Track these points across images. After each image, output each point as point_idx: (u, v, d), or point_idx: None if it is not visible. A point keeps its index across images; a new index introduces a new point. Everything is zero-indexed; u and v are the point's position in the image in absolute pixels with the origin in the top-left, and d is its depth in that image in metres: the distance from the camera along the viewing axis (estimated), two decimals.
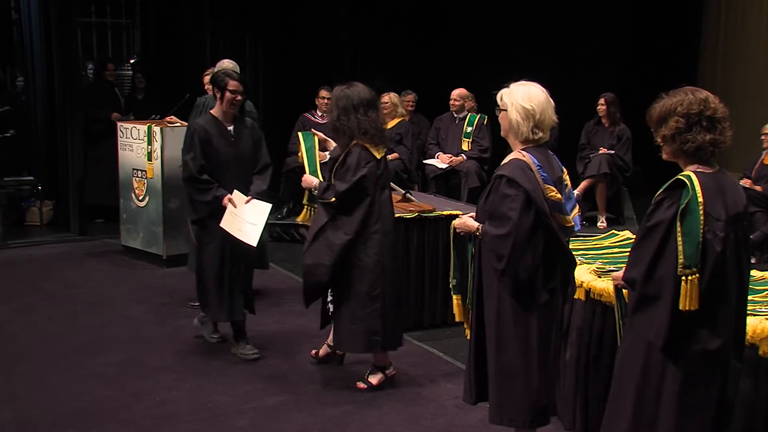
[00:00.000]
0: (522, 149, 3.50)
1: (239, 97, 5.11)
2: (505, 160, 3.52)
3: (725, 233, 2.87)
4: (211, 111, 5.23)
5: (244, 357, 5.19)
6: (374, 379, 4.82)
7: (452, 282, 3.84)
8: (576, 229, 3.64)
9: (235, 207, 4.99)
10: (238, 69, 6.11)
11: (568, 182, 3.62)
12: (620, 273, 3.17)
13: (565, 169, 3.63)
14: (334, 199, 4.54)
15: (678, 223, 2.84)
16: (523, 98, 3.48)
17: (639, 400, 2.98)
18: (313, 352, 5.18)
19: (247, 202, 5.02)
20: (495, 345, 3.47)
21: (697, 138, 2.92)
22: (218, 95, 5.10)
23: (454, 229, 3.67)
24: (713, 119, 2.93)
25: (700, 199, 2.84)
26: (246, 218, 5.00)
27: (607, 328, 3.97)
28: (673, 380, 2.91)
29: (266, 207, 5.06)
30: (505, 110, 3.52)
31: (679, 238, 2.83)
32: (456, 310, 3.85)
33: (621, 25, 11.63)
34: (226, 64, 6.13)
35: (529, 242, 3.36)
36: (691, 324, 2.88)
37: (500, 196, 3.39)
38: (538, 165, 3.43)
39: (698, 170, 2.94)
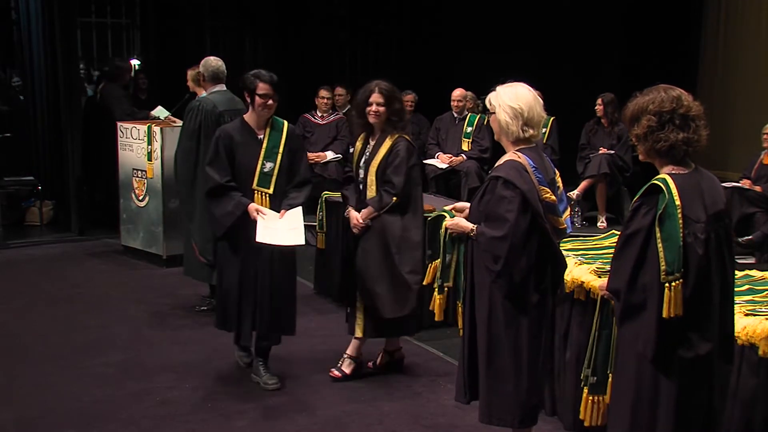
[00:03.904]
0: (517, 150, 3.49)
1: (271, 102, 4.61)
2: (500, 161, 3.52)
3: (706, 234, 2.82)
4: (243, 116, 4.77)
5: (265, 387, 4.77)
6: (380, 361, 4.97)
7: (437, 282, 3.85)
8: (568, 230, 3.64)
9: (264, 215, 4.53)
10: (224, 67, 6.11)
11: (560, 184, 3.61)
12: (604, 283, 3.14)
13: (557, 171, 3.63)
14: (395, 198, 4.60)
15: (657, 230, 2.79)
16: (510, 98, 3.48)
17: (635, 411, 2.93)
18: (370, 363, 5.08)
19: (282, 216, 4.60)
20: (486, 345, 3.46)
21: (670, 137, 2.87)
22: (248, 99, 4.66)
23: (446, 229, 3.67)
24: (686, 117, 2.88)
25: (678, 203, 2.79)
26: (282, 227, 4.56)
27: None
28: (667, 390, 2.86)
29: (297, 210, 4.64)
30: (494, 113, 3.52)
31: (659, 244, 2.78)
32: (437, 309, 3.86)
33: (620, 25, 11.63)
34: (212, 62, 6.08)
35: (524, 244, 3.36)
36: (678, 331, 2.83)
37: (497, 197, 3.39)
38: (534, 166, 3.44)
39: (673, 172, 2.89)
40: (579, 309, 4.09)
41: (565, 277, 4.08)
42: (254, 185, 4.62)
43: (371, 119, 4.72)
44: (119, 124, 7.84)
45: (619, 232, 4.89)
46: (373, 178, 4.69)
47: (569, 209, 3.68)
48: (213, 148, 4.66)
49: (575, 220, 8.40)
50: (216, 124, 5.94)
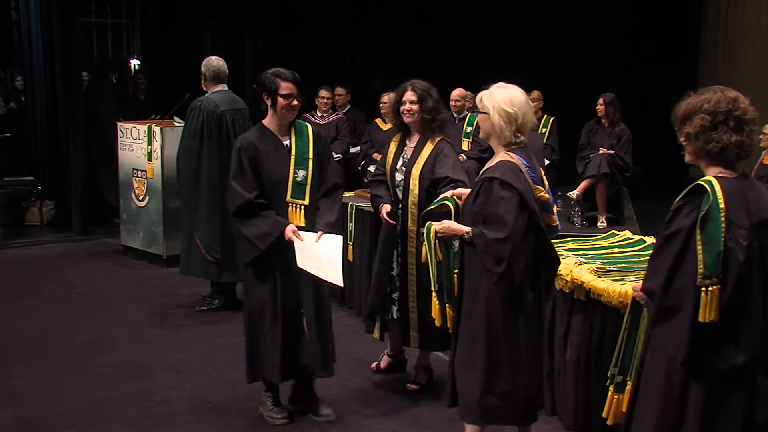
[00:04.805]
0: (509, 150, 3.47)
1: (296, 102, 4.14)
2: (493, 162, 3.50)
3: (748, 242, 2.71)
4: (262, 121, 4.26)
5: (317, 419, 4.35)
6: (424, 378, 4.84)
7: (434, 287, 3.79)
8: (559, 228, 3.63)
9: (301, 240, 4.07)
10: (225, 66, 6.11)
11: (546, 181, 3.59)
12: (639, 284, 3.02)
13: (542, 169, 3.61)
14: None
15: (698, 231, 2.68)
16: (505, 102, 3.44)
17: (661, 417, 2.85)
18: (373, 365, 5.05)
19: (318, 239, 4.11)
20: (485, 348, 3.43)
21: (723, 138, 2.76)
22: (268, 102, 4.15)
23: (436, 233, 3.63)
24: (741, 120, 2.78)
25: (722, 206, 2.68)
26: (321, 254, 4.09)
27: (607, 328, 3.97)
28: (695, 397, 2.77)
29: (338, 240, 4.16)
30: (487, 113, 3.48)
31: (699, 247, 2.67)
32: (436, 314, 3.81)
33: (621, 25, 11.65)
34: (214, 61, 6.08)
35: (523, 244, 3.35)
36: (713, 338, 2.73)
37: (495, 198, 3.36)
38: (527, 166, 3.42)
39: (720, 175, 2.78)
40: (579, 309, 4.09)
41: (564, 276, 4.09)
42: (288, 197, 4.15)
43: (406, 119, 4.59)
44: (119, 124, 7.85)
45: (619, 232, 4.95)
46: (416, 182, 4.50)
47: (555, 206, 3.66)
48: (236, 162, 4.11)
49: (575, 220, 8.40)
50: (218, 124, 5.97)
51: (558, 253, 3.68)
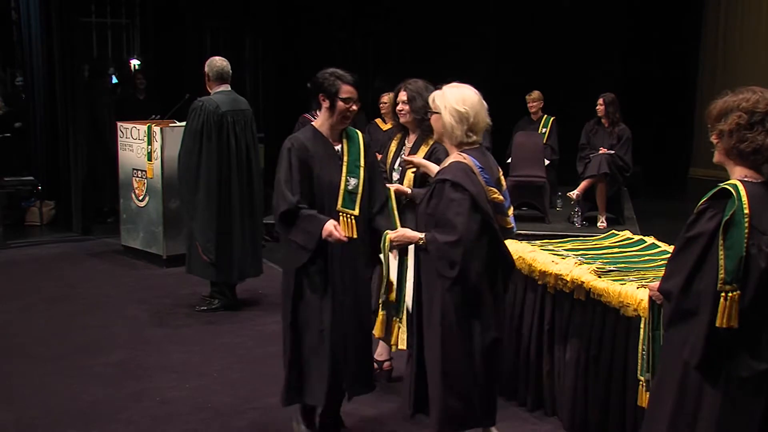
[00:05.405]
0: (462, 151, 3.45)
1: (354, 107, 3.90)
2: (445, 163, 3.48)
3: None
4: (313, 123, 4.02)
5: None
6: None
7: (381, 297, 3.71)
8: (514, 230, 3.59)
9: (343, 235, 3.71)
10: (229, 67, 6.11)
11: (504, 182, 3.57)
12: (655, 284, 2.99)
13: (500, 169, 3.59)
14: None
15: (721, 236, 2.65)
16: (457, 101, 3.42)
17: (674, 421, 2.81)
18: None
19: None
20: (440, 353, 3.40)
21: (757, 138, 2.72)
22: (325, 104, 3.89)
23: (390, 242, 3.57)
24: None
25: (746, 211, 2.64)
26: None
27: (607, 328, 3.97)
28: (711, 403, 2.73)
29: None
30: (438, 113, 3.47)
31: (721, 252, 2.65)
32: (378, 326, 3.75)
33: (621, 25, 11.65)
34: (217, 61, 6.08)
35: (476, 246, 3.32)
36: (730, 344, 2.69)
37: (446, 201, 3.32)
38: (480, 167, 3.40)
39: (746, 179, 2.74)
40: (579, 309, 4.09)
41: (564, 276, 4.09)
42: (339, 206, 3.88)
43: (401, 119, 4.63)
44: (119, 124, 7.84)
45: (619, 232, 4.94)
46: (411, 183, 4.52)
47: (512, 208, 3.61)
48: (285, 162, 3.83)
49: (575, 220, 8.40)
50: (218, 125, 5.97)
51: (513, 255, 3.65)
